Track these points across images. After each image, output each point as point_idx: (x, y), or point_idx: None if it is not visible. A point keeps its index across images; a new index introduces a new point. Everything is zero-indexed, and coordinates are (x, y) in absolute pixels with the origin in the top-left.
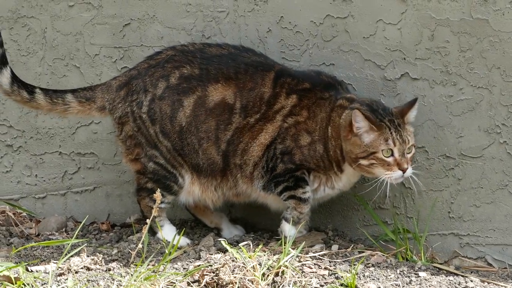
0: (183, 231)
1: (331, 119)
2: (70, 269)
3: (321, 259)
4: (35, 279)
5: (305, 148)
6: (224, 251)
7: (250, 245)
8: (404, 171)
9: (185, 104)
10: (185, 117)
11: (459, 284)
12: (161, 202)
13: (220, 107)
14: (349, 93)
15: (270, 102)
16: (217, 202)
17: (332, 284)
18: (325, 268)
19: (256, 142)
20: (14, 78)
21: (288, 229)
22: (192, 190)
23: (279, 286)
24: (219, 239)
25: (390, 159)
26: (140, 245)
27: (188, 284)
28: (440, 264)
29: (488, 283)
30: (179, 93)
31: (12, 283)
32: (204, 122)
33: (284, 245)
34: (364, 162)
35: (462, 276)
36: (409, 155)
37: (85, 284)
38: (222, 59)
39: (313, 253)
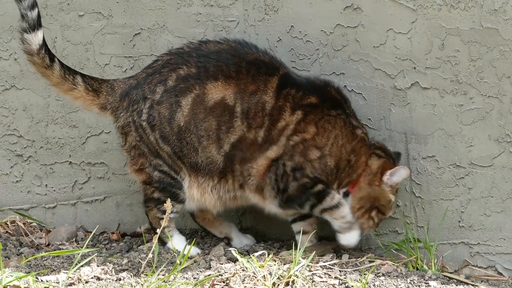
0: (193, 241)
1: (354, 149)
2: (80, 279)
3: (332, 268)
4: None
5: (315, 161)
6: (235, 260)
7: (262, 255)
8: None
9: (183, 103)
10: (183, 116)
11: None
12: (170, 212)
13: (220, 106)
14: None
15: (274, 117)
16: (216, 205)
17: None
18: (336, 278)
19: (262, 156)
20: (44, 42)
21: (344, 239)
22: (191, 194)
23: None
24: (230, 249)
25: (371, 223)
26: (150, 255)
27: None
28: (451, 273)
29: None
30: (176, 95)
31: None
32: (203, 120)
33: (295, 255)
34: (373, 213)
35: (472, 285)
36: None
37: None
38: (221, 54)
39: (324, 262)
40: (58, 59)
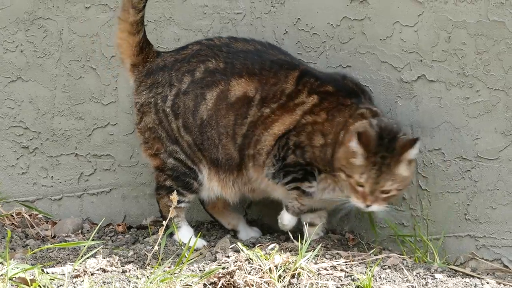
0: (199, 233)
1: (346, 125)
2: (86, 271)
3: (338, 260)
4: (51, 281)
5: (317, 148)
6: (240, 253)
7: (266, 247)
8: (367, 206)
9: (208, 97)
10: (206, 110)
11: (475, 286)
12: (181, 202)
13: (241, 101)
14: (374, 106)
15: (291, 96)
16: (235, 198)
17: (348, 286)
18: (341, 270)
19: (270, 132)
20: None
21: (287, 218)
22: (211, 186)
23: None
24: (236, 241)
25: (360, 189)
26: (156, 247)
27: (204, 286)
28: (457, 266)
29: (504, 285)
30: (202, 87)
31: (28, 285)
32: (224, 116)
33: (301, 248)
34: (342, 176)
35: (478, 278)
36: (382, 195)
37: (101, 286)
38: (248, 54)
39: (330, 255)
40: None
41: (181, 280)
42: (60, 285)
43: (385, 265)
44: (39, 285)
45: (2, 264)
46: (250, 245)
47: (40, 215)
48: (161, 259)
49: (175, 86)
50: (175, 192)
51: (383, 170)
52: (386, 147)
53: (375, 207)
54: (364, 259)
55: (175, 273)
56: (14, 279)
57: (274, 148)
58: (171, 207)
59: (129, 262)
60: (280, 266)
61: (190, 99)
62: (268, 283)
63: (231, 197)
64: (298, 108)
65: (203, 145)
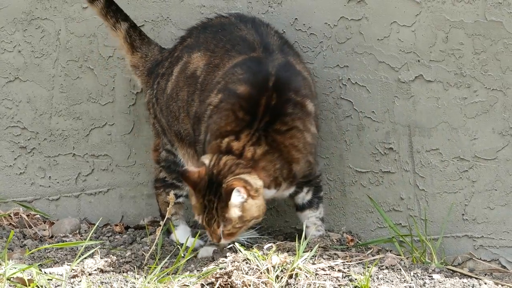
0: (198, 233)
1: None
2: (83, 271)
3: (335, 261)
4: (48, 281)
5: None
6: (238, 253)
7: (264, 247)
8: (217, 243)
9: (174, 72)
10: (171, 84)
11: (473, 287)
12: (179, 196)
13: (193, 76)
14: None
15: (205, 92)
16: None
17: (346, 287)
18: (339, 271)
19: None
20: None
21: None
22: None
23: None
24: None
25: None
26: (153, 247)
27: (202, 286)
28: (454, 266)
29: (502, 285)
30: (172, 64)
31: (26, 285)
32: (181, 89)
33: (298, 248)
34: None
35: (476, 278)
36: (225, 232)
37: (99, 286)
38: (215, 28)
39: (327, 255)
40: None
41: (178, 280)
42: (58, 285)
43: (383, 266)
44: (37, 285)
45: (0, 264)
46: (248, 245)
47: (37, 215)
48: (159, 259)
49: (158, 74)
50: (172, 192)
51: (213, 214)
52: (215, 192)
53: (225, 242)
54: (362, 259)
55: (172, 274)
56: (12, 279)
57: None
58: (169, 203)
59: (127, 262)
60: (278, 267)
61: (164, 80)
62: (265, 284)
63: None
64: (206, 114)
65: (169, 121)
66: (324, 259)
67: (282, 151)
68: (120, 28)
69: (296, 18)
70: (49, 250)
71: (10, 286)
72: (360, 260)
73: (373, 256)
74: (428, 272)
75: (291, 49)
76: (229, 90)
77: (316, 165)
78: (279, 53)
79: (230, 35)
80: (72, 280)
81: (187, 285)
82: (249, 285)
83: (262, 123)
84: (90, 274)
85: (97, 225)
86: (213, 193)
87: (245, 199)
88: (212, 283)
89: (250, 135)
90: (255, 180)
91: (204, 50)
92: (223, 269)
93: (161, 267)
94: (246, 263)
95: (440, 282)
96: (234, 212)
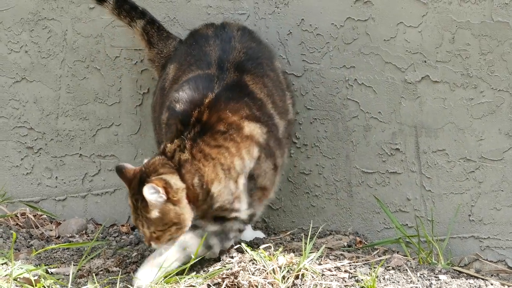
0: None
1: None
2: (90, 271)
3: (341, 261)
4: (55, 281)
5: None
6: (244, 253)
7: (270, 248)
8: (149, 246)
9: (161, 78)
10: (159, 83)
11: (479, 287)
12: None
13: (163, 89)
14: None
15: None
16: None
17: (352, 287)
18: (345, 271)
19: None
20: None
21: None
22: None
23: None
24: (240, 242)
25: None
26: None
27: (208, 286)
28: (461, 267)
29: (509, 286)
30: (163, 70)
31: (33, 285)
32: (157, 99)
33: (305, 249)
34: None
35: (483, 279)
36: (153, 235)
37: (105, 286)
38: (192, 39)
39: (334, 255)
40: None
41: (185, 280)
42: (64, 286)
43: (389, 266)
44: (43, 286)
45: (7, 264)
46: (254, 246)
47: (44, 216)
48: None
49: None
50: None
51: (138, 213)
52: (138, 190)
53: (155, 246)
54: (368, 260)
55: (179, 274)
56: (18, 279)
57: None
58: None
59: (133, 263)
60: (284, 267)
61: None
62: (272, 284)
63: None
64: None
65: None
66: (330, 259)
67: (206, 162)
68: (135, 26)
69: (302, 19)
70: (55, 251)
71: (16, 286)
72: (366, 260)
73: (379, 256)
74: (434, 273)
75: (260, 66)
76: (171, 109)
77: (245, 211)
78: (234, 71)
79: (198, 50)
80: (78, 280)
81: (194, 286)
82: (256, 286)
83: (192, 133)
84: (96, 275)
85: (104, 226)
86: (140, 192)
87: (164, 200)
88: (218, 284)
89: (181, 140)
90: (176, 181)
91: (176, 63)
92: (229, 270)
93: (168, 268)
94: (253, 263)
95: (446, 283)
96: (153, 213)
